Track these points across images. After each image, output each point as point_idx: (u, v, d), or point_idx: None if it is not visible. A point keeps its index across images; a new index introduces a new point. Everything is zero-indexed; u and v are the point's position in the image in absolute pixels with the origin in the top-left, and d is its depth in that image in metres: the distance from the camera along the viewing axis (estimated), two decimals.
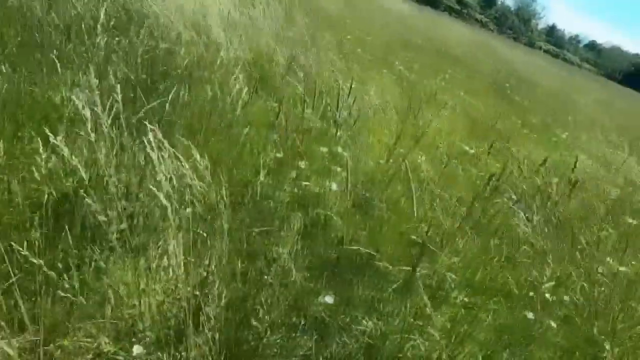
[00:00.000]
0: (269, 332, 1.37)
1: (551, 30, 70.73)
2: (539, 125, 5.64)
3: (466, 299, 1.55)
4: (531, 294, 1.69)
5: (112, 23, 2.28)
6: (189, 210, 1.33)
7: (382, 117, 3.08)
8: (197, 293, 1.27)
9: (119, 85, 1.38)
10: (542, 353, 1.63)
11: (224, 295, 1.35)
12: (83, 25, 2.13)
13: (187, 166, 1.19)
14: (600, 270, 2.16)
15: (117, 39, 2.40)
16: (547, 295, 1.79)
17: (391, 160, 2.31)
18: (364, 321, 1.52)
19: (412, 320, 1.46)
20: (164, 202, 1.23)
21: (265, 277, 1.46)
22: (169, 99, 1.86)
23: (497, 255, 1.79)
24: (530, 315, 1.75)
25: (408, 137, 2.55)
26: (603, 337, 1.70)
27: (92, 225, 1.39)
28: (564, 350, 1.67)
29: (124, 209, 1.30)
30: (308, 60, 3.42)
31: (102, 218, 1.23)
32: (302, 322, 1.44)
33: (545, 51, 54.92)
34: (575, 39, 75.35)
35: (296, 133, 2.16)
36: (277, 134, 2.15)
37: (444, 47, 10.27)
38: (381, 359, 1.42)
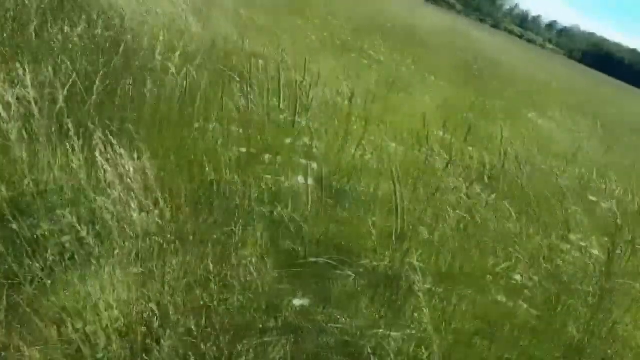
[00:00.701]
0: (239, 339, 1.30)
1: (515, 12, 72.50)
2: (506, 106, 5.75)
3: (437, 289, 1.53)
4: (501, 279, 1.69)
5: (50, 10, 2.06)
6: (142, 215, 1.22)
7: (351, 104, 3.01)
8: (154, 307, 1.18)
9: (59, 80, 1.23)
10: (518, 336, 1.65)
11: (185, 305, 1.26)
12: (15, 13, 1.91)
13: (131, 170, 1.07)
14: (566, 248, 2.21)
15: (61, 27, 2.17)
16: (518, 277, 1.80)
17: (362, 149, 2.25)
18: (341, 318, 1.48)
19: (387, 314, 1.43)
20: (111, 208, 1.11)
21: (232, 281, 1.38)
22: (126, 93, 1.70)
23: (461, 241, 1.78)
24: (502, 298, 1.77)
25: (377, 123, 2.49)
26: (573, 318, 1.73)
27: (29, 239, 1.25)
28: (538, 331, 1.70)
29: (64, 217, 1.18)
30: (274, 48, 3.28)
31: (39, 232, 1.10)
32: (276, 326, 1.38)
33: (510, 32, 56.26)
34: (537, 20, 77.65)
35: (262, 125, 2.05)
36: (241, 127, 2.04)
37: (412, 30, 10.25)
38: (358, 356, 1.38)
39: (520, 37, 56.46)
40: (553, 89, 10.26)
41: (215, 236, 1.44)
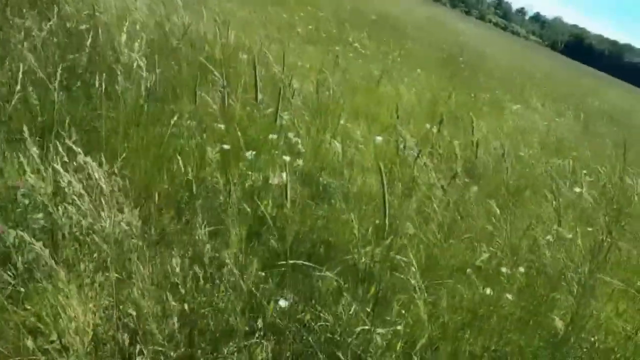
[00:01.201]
0: (222, 342, 1.27)
1: (499, 3, 72.99)
2: (492, 98, 5.79)
3: (423, 283, 1.52)
4: (488, 272, 1.70)
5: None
6: (117, 219, 1.17)
7: (336, 98, 2.97)
8: (134, 313, 1.14)
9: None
10: (504, 327, 1.66)
11: (164, 309, 1.22)
12: None
13: (100, 177, 1.02)
14: (547, 238, 2.24)
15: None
16: (503, 269, 1.81)
17: (347, 143, 2.22)
18: (326, 316, 1.46)
19: (370, 310, 1.41)
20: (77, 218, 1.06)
21: (217, 282, 1.35)
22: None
23: (446, 235, 1.78)
24: (487, 291, 1.78)
25: (362, 117, 2.46)
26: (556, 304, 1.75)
27: None
28: (522, 321, 1.72)
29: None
30: (257, 41, 3.20)
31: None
32: (259, 327, 1.35)
33: (495, 24, 56.71)
34: (521, 12, 78.43)
35: (243, 120, 2.00)
36: (221, 123, 1.98)
37: (398, 22, 10.22)
38: (344, 354, 1.37)
39: (504, 28, 57.02)
40: (536, 80, 10.40)
41: (197, 237, 1.41)
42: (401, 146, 2.12)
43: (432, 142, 2.16)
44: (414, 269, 1.36)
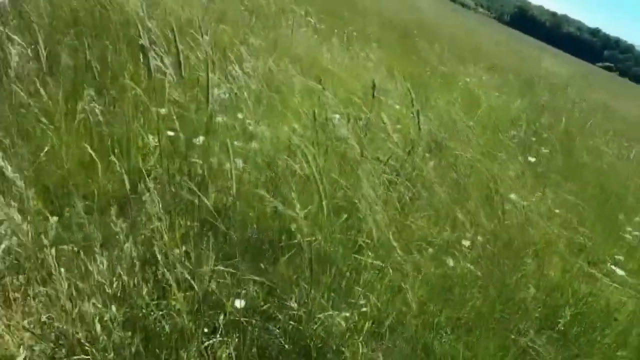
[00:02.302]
0: (180, 346, 1.18)
1: None
2: (447, 71, 5.88)
3: (386, 262, 1.50)
4: (449, 246, 1.72)
5: None
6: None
7: (292, 76, 2.84)
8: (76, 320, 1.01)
9: None
10: (467, 296, 1.70)
11: (116, 314, 1.11)
12: None
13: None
14: (507, 207, 2.33)
15: None
16: (465, 242, 1.85)
17: (302, 123, 2.12)
18: (290, 304, 1.41)
19: (333, 294, 1.38)
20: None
21: (167, 282, 1.24)
22: None
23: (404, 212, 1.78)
24: (450, 262, 1.81)
25: (317, 94, 2.36)
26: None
27: None
28: (484, 289, 1.77)
29: None
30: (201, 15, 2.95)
31: None
32: (220, 325, 1.27)
33: None
34: None
35: (190, 102, 1.83)
36: (167, 107, 1.80)
37: None
38: (309, 342, 1.33)
39: (454, 1, 58.07)
40: (484, 52, 10.74)
41: (142, 236, 1.28)
42: (365, 124, 2.06)
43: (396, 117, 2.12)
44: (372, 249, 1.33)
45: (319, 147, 1.72)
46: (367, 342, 1.27)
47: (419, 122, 1.47)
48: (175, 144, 1.79)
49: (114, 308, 1.10)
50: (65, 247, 1.19)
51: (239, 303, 1.16)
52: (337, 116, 2.42)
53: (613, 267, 2.27)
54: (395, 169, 1.81)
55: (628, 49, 78.13)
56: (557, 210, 2.59)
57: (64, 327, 1.10)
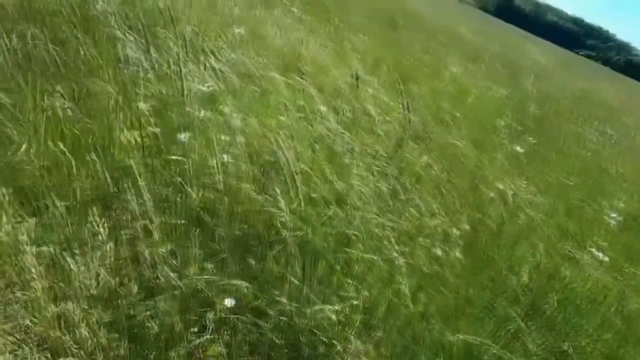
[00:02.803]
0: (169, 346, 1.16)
1: None
2: (433, 61, 5.88)
3: (375, 253, 1.50)
4: (438, 234, 1.73)
5: None
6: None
7: (276, 67, 2.79)
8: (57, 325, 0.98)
9: None
10: (453, 281, 1.72)
11: (102, 316, 1.08)
12: None
13: None
14: (491, 194, 2.36)
15: None
16: (454, 230, 1.86)
17: (289, 115, 2.09)
18: (281, 299, 1.40)
19: (322, 287, 1.37)
20: None
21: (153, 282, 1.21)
22: None
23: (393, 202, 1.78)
24: (438, 251, 1.82)
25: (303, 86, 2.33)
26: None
27: None
28: (466, 273, 1.79)
29: None
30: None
31: None
32: (209, 323, 1.25)
33: None
34: None
35: (170, 98, 1.78)
36: (148, 102, 1.74)
37: None
38: (302, 337, 1.32)
39: None
40: (470, 41, 10.78)
41: (124, 236, 1.24)
42: (352, 113, 2.05)
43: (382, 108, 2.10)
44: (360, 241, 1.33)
45: (306, 140, 1.69)
46: (359, 334, 1.27)
47: (409, 116, 1.46)
48: (157, 139, 1.74)
49: (98, 310, 1.07)
50: (44, 248, 1.15)
51: (229, 302, 1.14)
52: (324, 108, 2.39)
53: (595, 252, 2.32)
54: (384, 161, 1.80)
55: (609, 37, 79.60)
56: (541, 198, 2.64)
57: (47, 331, 1.06)
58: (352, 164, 1.57)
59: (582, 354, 1.69)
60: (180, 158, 1.41)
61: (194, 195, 1.45)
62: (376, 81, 3.04)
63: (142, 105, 1.68)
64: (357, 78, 1.48)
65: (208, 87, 1.63)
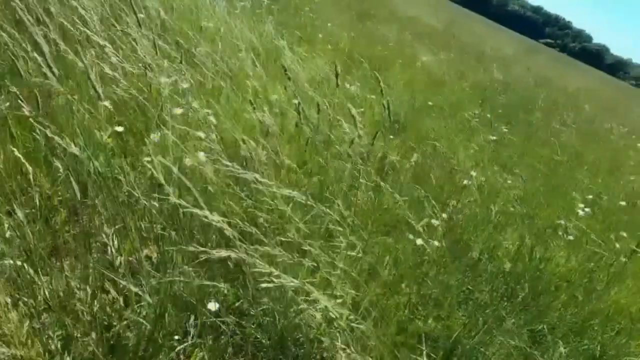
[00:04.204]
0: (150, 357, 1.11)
1: None
2: (405, 51, 5.93)
3: (359, 243, 1.50)
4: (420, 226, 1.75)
5: None
6: None
7: (247, 57, 2.71)
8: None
9: None
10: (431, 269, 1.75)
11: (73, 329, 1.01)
12: None
13: None
14: (465, 182, 2.42)
15: None
16: (434, 220, 1.89)
17: (263, 110, 2.04)
18: (264, 299, 1.37)
19: (308, 284, 1.36)
20: None
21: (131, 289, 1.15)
22: None
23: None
24: (419, 241, 1.85)
25: (280, 80, 2.28)
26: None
27: None
28: (447, 262, 1.83)
29: None
30: None
31: None
32: (192, 328, 1.21)
33: None
34: None
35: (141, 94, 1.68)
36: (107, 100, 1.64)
37: None
38: (288, 337, 1.31)
39: None
40: (439, 31, 10.96)
41: (97, 243, 1.17)
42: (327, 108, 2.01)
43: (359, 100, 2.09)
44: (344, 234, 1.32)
45: (285, 133, 1.66)
46: (345, 328, 1.26)
47: (389, 109, 1.44)
48: (125, 140, 1.65)
49: (69, 321, 1.00)
50: (5, 262, 1.06)
51: (213, 305, 1.10)
52: (299, 102, 2.35)
53: (562, 233, 2.45)
54: (362, 153, 1.79)
55: (566, 25, 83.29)
56: (511, 182, 2.74)
57: (13, 349, 0.99)
58: (331, 156, 1.55)
59: (553, 330, 1.79)
60: (152, 158, 1.33)
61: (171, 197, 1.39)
62: (348, 75, 3.03)
63: (107, 104, 1.58)
64: (337, 74, 1.45)
65: (174, 81, 1.55)
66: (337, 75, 1.40)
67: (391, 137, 2.31)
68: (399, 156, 2.27)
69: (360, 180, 1.56)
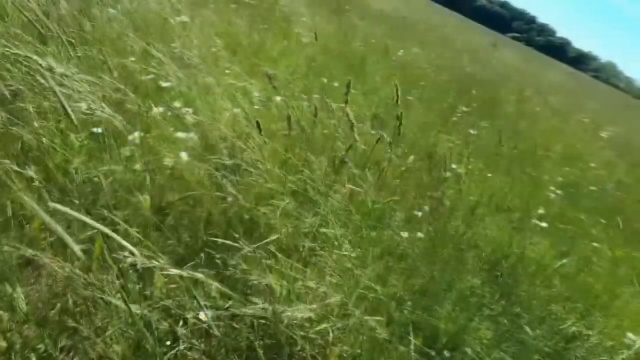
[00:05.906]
0: None
1: None
2: (381, 46, 5.96)
3: (345, 239, 1.51)
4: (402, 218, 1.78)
5: None
6: None
7: (226, 53, 2.65)
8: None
9: None
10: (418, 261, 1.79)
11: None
12: None
13: None
14: (446, 174, 2.48)
15: None
16: (416, 212, 1.92)
17: (243, 107, 2.00)
18: (254, 299, 1.36)
19: (299, 284, 1.36)
20: None
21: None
22: None
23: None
24: (404, 234, 1.88)
25: (263, 76, 2.25)
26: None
27: None
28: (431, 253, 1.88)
29: None
30: None
31: None
32: (182, 334, 1.18)
33: None
34: None
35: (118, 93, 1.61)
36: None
37: None
38: (281, 337, 1.30)
39: None
40: (420, 28, 11.11)
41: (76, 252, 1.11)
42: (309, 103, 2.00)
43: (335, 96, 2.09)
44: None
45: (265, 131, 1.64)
46: (337, 325, 1.27)
47: (374, 106, 1.45)
48: (100, 140, 1.58)
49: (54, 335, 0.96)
50: None
51: (203, 315, 1.08)
52: (279, 98, 2.33)
53: (537, 221, 2.56)
54: (344, 149, 1.80)
55: (532, 19, 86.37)
56: (489, 175, 2.82)
57: None
58: (313, 152, 1.55)
59: (531, 312, 1.87)
60: (135, 156, 1.29)
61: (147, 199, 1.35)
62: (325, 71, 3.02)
63: (81, 105, 1.50)
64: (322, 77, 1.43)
65: (152, 78, 1.49)
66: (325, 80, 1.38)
67: (372, 132, 2.33)
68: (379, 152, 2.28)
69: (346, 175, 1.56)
